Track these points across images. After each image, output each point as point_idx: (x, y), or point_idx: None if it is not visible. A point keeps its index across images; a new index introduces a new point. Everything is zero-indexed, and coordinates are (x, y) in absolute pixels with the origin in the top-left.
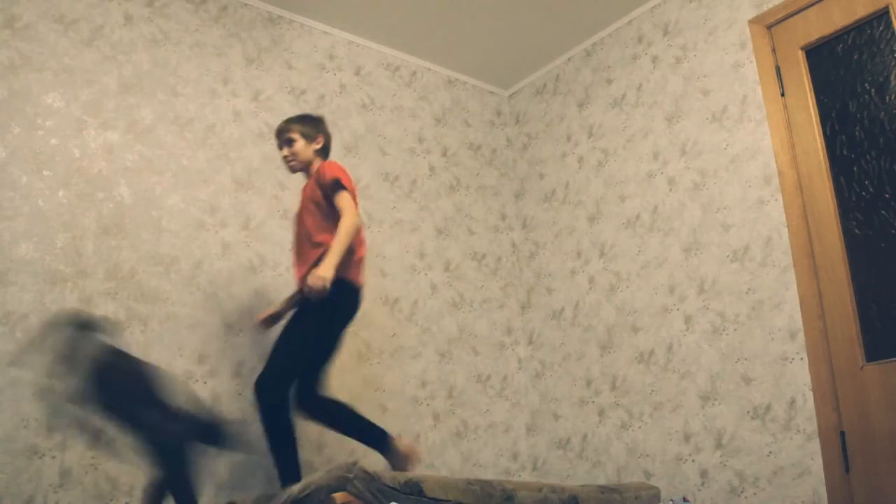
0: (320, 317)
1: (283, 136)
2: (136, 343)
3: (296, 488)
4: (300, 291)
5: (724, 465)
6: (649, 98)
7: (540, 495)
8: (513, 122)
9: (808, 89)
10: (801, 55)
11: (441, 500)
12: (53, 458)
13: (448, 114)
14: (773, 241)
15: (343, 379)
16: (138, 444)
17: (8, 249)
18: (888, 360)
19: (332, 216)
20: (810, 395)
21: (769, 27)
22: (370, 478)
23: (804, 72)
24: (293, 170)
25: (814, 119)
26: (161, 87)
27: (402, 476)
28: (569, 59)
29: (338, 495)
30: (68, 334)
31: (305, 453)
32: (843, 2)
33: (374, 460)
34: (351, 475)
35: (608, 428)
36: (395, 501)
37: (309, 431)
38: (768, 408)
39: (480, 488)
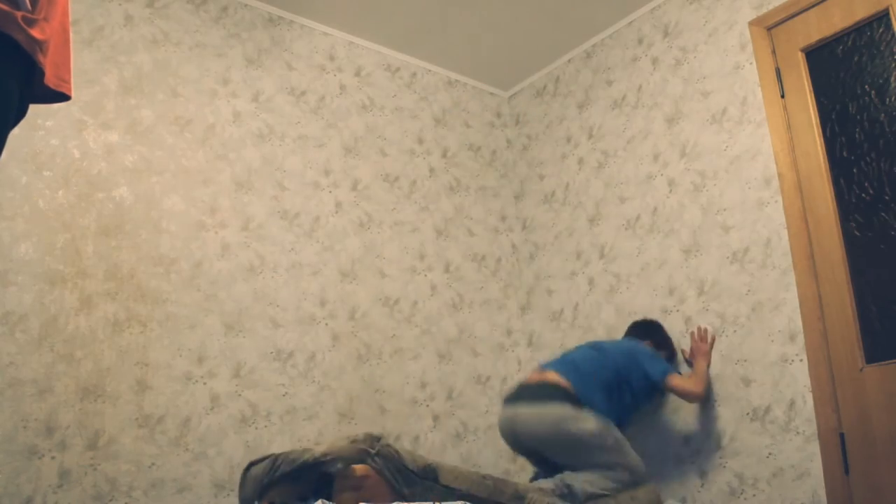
0: None
1: None
2: (136, 343)
3: (318, 451)
4: None
5: (724, 467)
6: (649, 99)
7: (549, 499)
8: (513, 124)
9: (808, 91)
10: (801, 57)
11: (454, 489)
12: (53, 458)
13: (448, 115)
14: (773, 243)
15: (342, 380)
16: None
17: (8, 249)
18: (888, 361)
19: None
20: (810, 397)
21: (769, 29)
22: (391, 456)
23: (804, 73)
24: None
25: (814, 121)
26: (161, 87)
27: (420, 460)
28: (569, 61)
29: (358, 467)
30: None
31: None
32: (844, 3)
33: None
34: (373, 451)
35: None
36: (410, 485)
37: (308, 432)
38: (768, 409)
39: (493, 484)
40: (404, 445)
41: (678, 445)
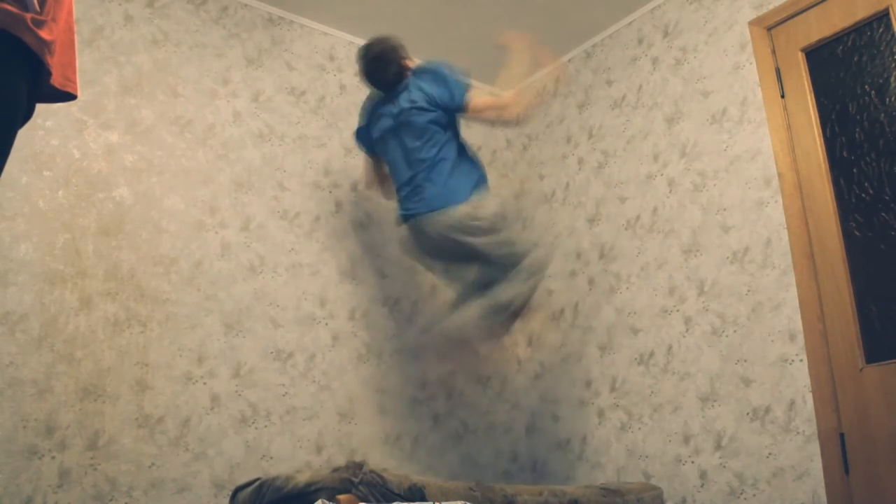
0: None
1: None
2: (136, 343)
3: (302, 480)
4: None
5: (724, 467)
6: (649, 99)
7: (541, 499)
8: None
9: (808, 91)
10: (801, 57)
11: None
12: (53, 458)
13: None
14: (773, 243)
15: (342, 380)
16: None
17: (8, 249)
18: (888, 361)
19: None
20: (810, 397)
21: (769, 29)
22: (375, 482)
23: (804, 73)
24: None
25: (814, 121)
26: (161, 87)
27: (406, 481)
28: (569, 61)
29: (342, 497)
30: None
31: (303, 454)
32: (843, 3)
33: (376, 460)
34: (356, 479)
35: (608, 429)
36: None
37: (308, 432)
38: (768, 409)
39: (481, 493)
40: (404, 446)
41: (678, 445)
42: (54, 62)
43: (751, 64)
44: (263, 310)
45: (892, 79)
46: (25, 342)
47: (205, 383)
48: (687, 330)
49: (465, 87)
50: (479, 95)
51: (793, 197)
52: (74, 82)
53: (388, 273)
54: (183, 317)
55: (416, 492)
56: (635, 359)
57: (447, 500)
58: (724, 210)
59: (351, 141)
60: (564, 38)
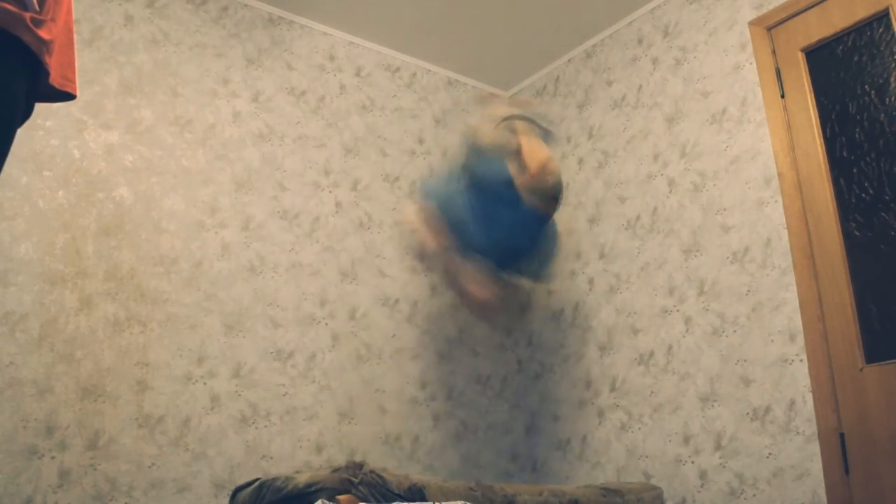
0: None
1: None
2: (136, 343)
3: (302, 480)
4: None
5: (724, 467)
6: (649, 99)
7: (541, 499)
8: None
9: (808, 91)
10: (801, 57)
11: None
12: (53, 458)
13: (448, 115)
14: (773, 243)
15: (342, 380)
16: None
17: (8, 249)
18: (888, 361)
19: None
20: (810, 397)
21: (769, 29)
22: (375, 482)
23: (804, 73)
24: None
25: (814, 121)
26: (161, 87)
27: (405, 481)
28: (569, 61)
29: (342, 497)
30: None
31: (303, 454)
32: (843, 3)
33: (376, 460)
34: (356, 479)
35: (608, 429)
36: None
37: (308, 432)
38: (768, 409)
39: (482, 493)
40: (404, 445)
41: (678, 445)
42: (53, 62)
43: (751, 64)
44: (263, 310)
45: (892, 79)
46: (25, 342)
47: (205, 383)
48: (687, 330)
49: (503, 166)
50: (511, 166)
51: (793, 197)
52: (73, 82)
53: (388, 273)
54: (183, 317)
55: (416, 492)
56: (635, 359)
57: (447, 500)
58: (724, 210)
59: (351, 141)
60: (564, 37)
